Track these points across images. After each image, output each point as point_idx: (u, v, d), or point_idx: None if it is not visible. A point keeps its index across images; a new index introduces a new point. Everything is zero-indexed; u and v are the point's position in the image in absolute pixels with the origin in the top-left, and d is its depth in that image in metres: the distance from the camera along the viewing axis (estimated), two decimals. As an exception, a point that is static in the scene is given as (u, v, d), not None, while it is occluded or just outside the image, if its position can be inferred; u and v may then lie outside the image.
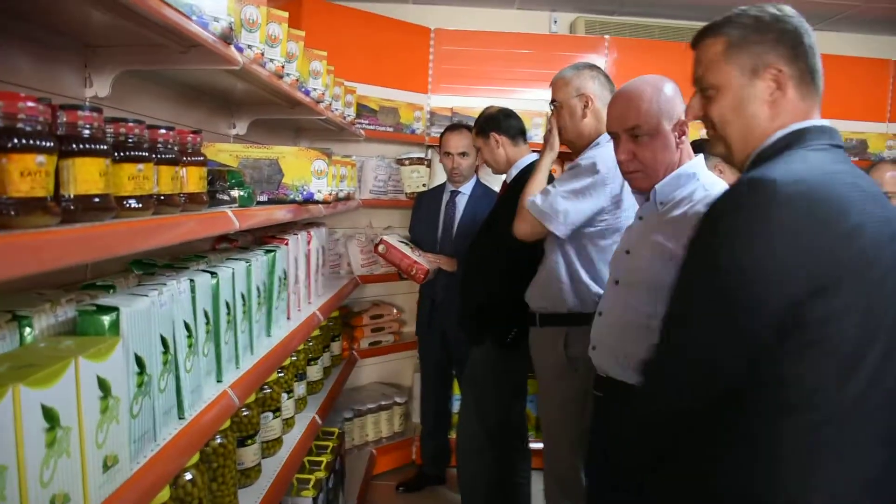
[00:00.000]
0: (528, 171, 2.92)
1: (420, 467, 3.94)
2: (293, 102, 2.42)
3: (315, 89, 2.55)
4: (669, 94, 1.90)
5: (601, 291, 2.40)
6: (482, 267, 3.01)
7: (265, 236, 2.44)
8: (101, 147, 1.08)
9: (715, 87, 1.38)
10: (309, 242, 2.67)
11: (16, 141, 0.90)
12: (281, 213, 2.07)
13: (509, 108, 3.16)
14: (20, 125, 0.91)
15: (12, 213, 0.89)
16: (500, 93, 4.32)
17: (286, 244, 2.33)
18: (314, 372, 2.88)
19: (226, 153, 2.14)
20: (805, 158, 1.27)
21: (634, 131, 1.89)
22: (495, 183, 3.82)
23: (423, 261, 3.47)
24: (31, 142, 0.91)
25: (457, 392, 3.87)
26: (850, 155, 4.28)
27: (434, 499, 3.76)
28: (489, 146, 3.07)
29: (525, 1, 4.52)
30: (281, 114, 2.61)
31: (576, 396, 2.44)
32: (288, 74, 2.18)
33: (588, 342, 2.37)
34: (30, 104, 0.93)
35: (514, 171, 3.04)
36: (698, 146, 2.08)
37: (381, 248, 3.51)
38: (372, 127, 3.93)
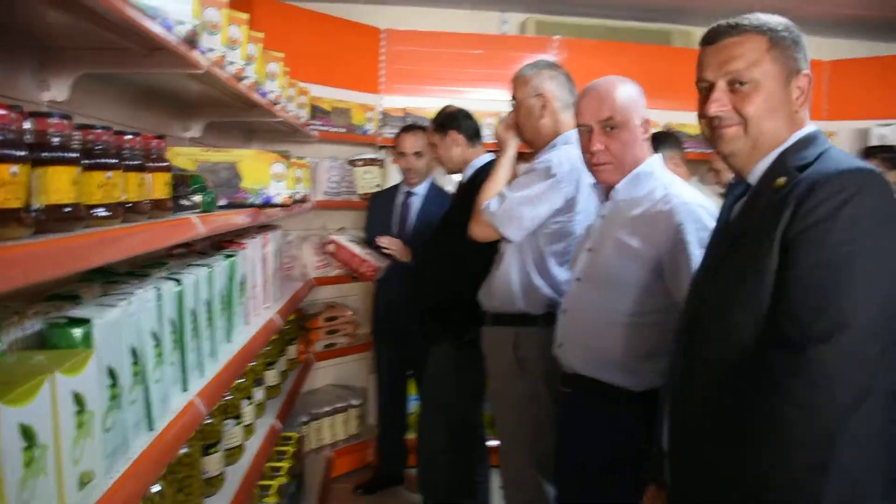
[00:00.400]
0: (483, 172, 2.94)
1: (377, 468, 3.93)
2: (251, 105, 2.39)
3: (272, 91, 2.52)
4: (638, 93, 2.00)
5: (552, 294, 2.46)
6: (438, 267, 3.03)
7: (222, 241, 2.40)
8: (72, 155, 1.06)
9: (755, 83, 1.38)
10: (266, 246, 2.64)
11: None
12: (242, 218, 2.04)
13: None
14: (-7, 135, 0.89)
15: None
16: (451, 93, 4.33)
17: (244, 248, 2.30)
18: (272, 377, 2.84)
19: (184, 157, 2.09)
20: (843, 154, 1.38)
21: (608, 123, 1.95)
22: (450, 184, 3.84)
23: (373, 259, 3.46)
24: (5, 151, 0.89)
25: (413, 392, 3.88)
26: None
27: (392, 499, 3.78)
28: (445, 143, 3.08)
29: (475, 1, 4.55)
30: (237, 116, 2.58)
31: (525, 396, 2.48)
32: (247, 77, 2.16)
33: (537, 344, 2.43)
34: (1, 112, 0.90)
35: (469, 172, 3.06)
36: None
37: (330, 247, 3.50)
38: (325, 128, 3.91)
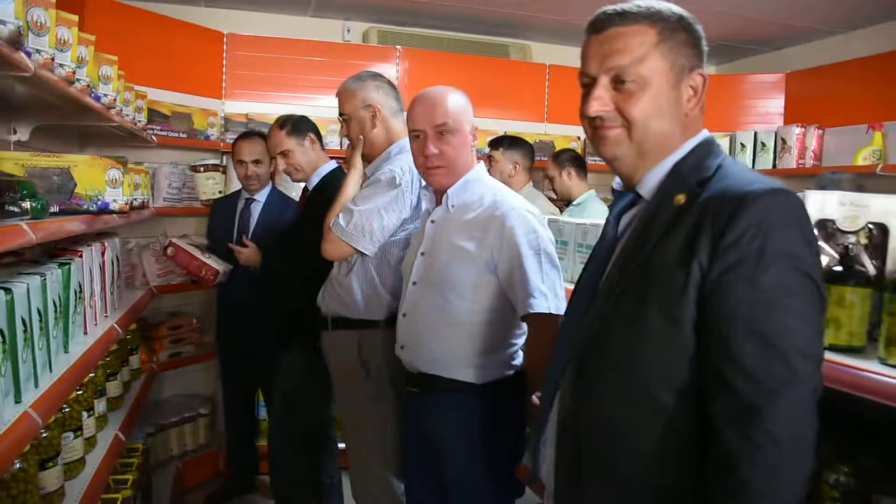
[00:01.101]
0: (329, 179, 3.00)
1: (229, 477, 3.86)
2: (83, 108, 2.32)
3: (106, 95, 2.46)
4: (467, 102, 2.11)
5: (395, 302, 2.46)
6: (286, 275, 3.03)
7: (56, 248, 2.32)
8: None
9: (641, 81, 1.23)
10: (103, 253, 2.57)
11: None
12: (76, 225, 1.99)
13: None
14: None
15: None
16: (295, 99, 4.37)
17: (80, 256, 2.23)
18: (113, 388, 2.75)
19: (9, 161, 2.01)
20: (741, 166, 1.28)
21: (441, 128, 2.03)
22: (292, 190, 3.85)
23: (214, 262, 3.40)
24: None
25: (261, 398, 3.86)
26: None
27: (244, 507, 3.73)
28: (303, 147, 3.05)
29: (319, 9, 4.59)
30: (69, 119, 2.48)
31: (371, 397, 2.51)
32: (79, 80, 2.10)
33: (381, 346, 2.48)
34: None
35: (315, 179, 3.07)
36: None
37: (169, 250, 3.41)
38: (164, 133, 3.81)
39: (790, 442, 1.06)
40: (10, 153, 2.05)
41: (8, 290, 1.54)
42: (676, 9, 1.27)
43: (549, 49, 5.20)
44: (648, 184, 1.28)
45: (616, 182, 1.38)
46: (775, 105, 5.02)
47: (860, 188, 3.24)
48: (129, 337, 3.12)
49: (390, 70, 4.63)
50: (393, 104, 2.61)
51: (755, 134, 4.80)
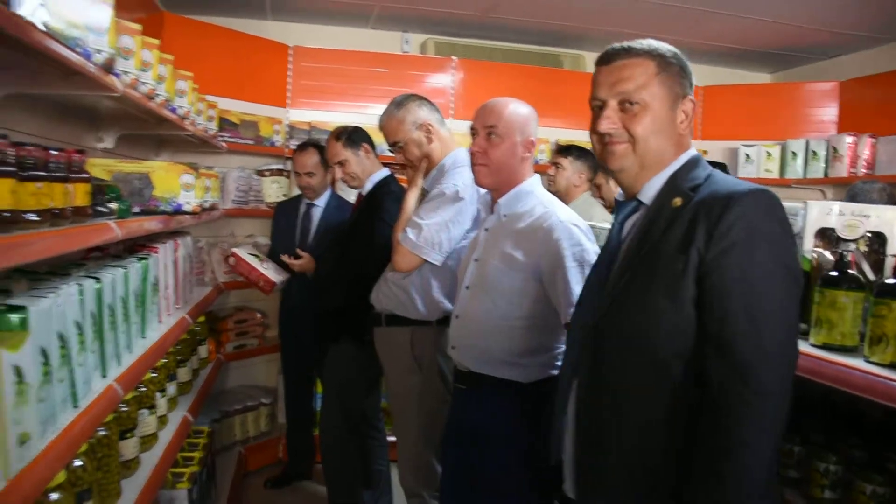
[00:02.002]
0: (381, 185, 3.19)
1: (287, 464, 4.12)
2: (161, 119, 2.57)
3: (181, 107, 2.72)
4: (526, 115, 2.23)
5: (450, 306, 2.65)
6: (340, 273, 3.24)
7: (135, 245, 2.58)
8: (11, 169, 1.27)
9: (643, 104, 1.45)
10: (176, 251, 2.82)
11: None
12: (153, 224, 2.24)
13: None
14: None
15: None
16: (355, 108, 4.60)
17: (156, 252, 2.48)
18: (184, 373, 3.01)
19: (98, 167, 2.27)
20: (725, 175, 1.49)
21: (490, 130, 2.18)
22: (352, 194, 4.07)
23: (271, 273, 3.64)
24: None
25: (319, 391, 4.09)
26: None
27: (301, 493, 3.96)
28: (359, 157, 3.21)
29: (379, 21, 4.81)
30: (149, 129, 2.75)
31: (421, 390, 2.70)
32: (158, 95, 2.35)
33: (432, 342, 2.68)
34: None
35: (369, 185, 3.24)
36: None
37: (231, 260, 3.65)
38: (233, 140, 4.09)
39: (777, 397, 1.26)
40: (99, 160, 2.31)
41: (98, 280, 1.78)
42: (671, 47, 1.51)
43: (602, 58, 5.29)
44: (649, 192, 1.50)
45: (619, 193, 1.60)
46: (829, 113, 5.00)
47: (891, 197, 3.27)
48: (198, 328, 3.39)
49: (446, 80, 4.83)
50: (438, 116, 2.79)
51: (807, 143, 4.80)
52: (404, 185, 3.28)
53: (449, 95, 4.81)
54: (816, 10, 4.18)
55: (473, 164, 2.25)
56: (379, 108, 4.53)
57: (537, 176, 2.30)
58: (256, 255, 3.71)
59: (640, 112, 1.46)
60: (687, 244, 1.34)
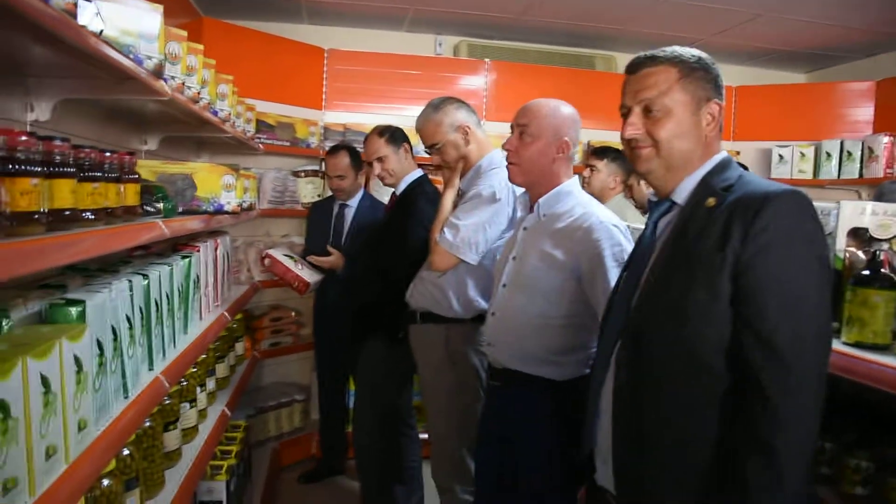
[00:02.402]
0: (415, 186, 3.25)
1: (320, 460, 4.20)
2: (203, 122, 2.65)
3: (222, 110, 2.80)
4: (564, 117, 2.24)
5: (485, 305, 2.69)
6: (374, 271, 3.30)
7: (177, 244, 2.66)
8: (71, 170, 1.34)
9: (666, 110, 1.51)
10: (216, 249, 2.90)
11: (15, 167, 1.15)
12: (196, 223, 2.31)
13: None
14: (18, 154, 1.17)
15: (15, 223, 1.14)
16: (389, 110, 4.66)
17: (198, 251, 2.56)
18: (222, 369, 3.10)
19: (144, 169, 2.35)
20: (756, 175, 1.55)
21: (522, 128, 2.22)
22: (384, 195, 4.15)
23: (306, 274, 3.71)
24: (28, 168, 1.17)
25: (352, 388, 4.15)
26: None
27: (334, 488, 4.04)
28: (398, 156, 3.25)
29: (413, 24, 4.87)
30: (191, 131, 2.84)
31: (456, 387, 2.75)
32: (202, 98, 2.43)
33: (467, 339, 2.72)
34: (24, 138, 1.19)
35: (402, 185, 3.29)
36: None
37: (266, 261, 3.73)
38: (270, 141, 4.18)
39: (815, 383, 1.32)
40: (144, 161, 2.39)
41: (146, 276, 1.86)
42: (696, 52, 1.55)
43: (634, 60, 5.31)
44: (682, 192, 1.55)
45: (651, 193, 1.66)
46: (865, 113, 4.96)
47: None
48: (234, 326, 3.48)
49: (479, 81, 4.88)
50: (474, 118, 2.83)
51: (841, 143, 4.77)
52: (438, 185, 3.34)
53: (482, 97, 4.85)
54: (854, 10, 4.15)
55: (507, 162, 2.28)
56: (412, 110, 4.64)
57: (576, 177, 2.31)
58: (291, 257, 3.79)
59: (663, 117, 1.52)
60: (723, 243, 1.37)
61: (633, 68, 1.59)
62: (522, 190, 2.39)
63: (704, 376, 1.40)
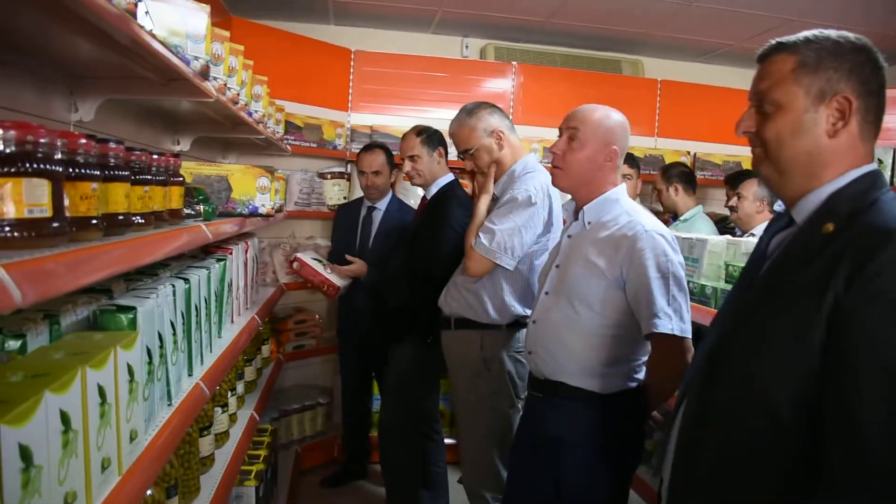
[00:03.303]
0: (446, 190, 3.22)
1: (343, 464, 4.17)
2: (237, 122, 2.63)
3: (257, 111, 2.77)
4: (614, 125, 2.18)
5: (521, 311, 2.68)
6: (406, 275, 3.27)
7: (209, 246, 2.63)
8: (125, 173, 1.31)
9: (776, 105, 1.32)
10: (246, 252, 2.87)
11: (77, 171, 1.12)
12: (232, 226, 2.28)
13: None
14: (78, 158, 1.14)
15: (74, 229, 1.11)
16: (416, 112, 4.62)
17: (230, 253, 2.53)
18: (250, 372, 3.07)
19: (182, 170, 2.33)
20: None
21: (571, 132, 2.16)
22: (411, 198, 4.12)
23: (335, 278, 3.69)
24: (89, 172, 1.14)
25: (376, 392, 4.13)
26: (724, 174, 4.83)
27: (357, 492, 4.00)
28: (433, 158, 3.24)
29: (440, 26, 4.84)
30: (225, 132, 2.82)
31: (490, 393, 2.72)
32: (241, 100, 2.40)
33: (502, 345, 2.69)
34: (83, 141, 1.15)
35: (434, 189, 3.27)
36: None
37: (295, 265, 3.71)
38: (297, 143, 4.15)
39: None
40: (182, 162, 2.36)
41: (186, 280, 1.83)
42: (834, 35, 1.31)
43: (660, 64, 5.28)
44: (803, 210, 1.32)
45: (779, 204, 1.46)
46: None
47: None
48: (261, 328, 3.45)
49: (506, 84, 4.84)
50: (508, 123, 2.81)
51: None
52: (466, 190, 3.32)
53: (508, 100, 4.81)
54: (890, 15, 4.09)
55: (552, 165, 2.23)
56: (439, 113, 4.66)
57: (623, 185, 2.26)
58: (319, 260, 3.76)
59: (773, 114, 1.32)
60: (825, 281, 1.15)
61: (759, 58, 1.39)
62: (559, 194, 2.35)
63: (771, 425, 1.22)
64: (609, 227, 2.14)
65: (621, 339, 2.11)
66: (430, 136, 3.26)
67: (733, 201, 3.75)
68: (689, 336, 2.03)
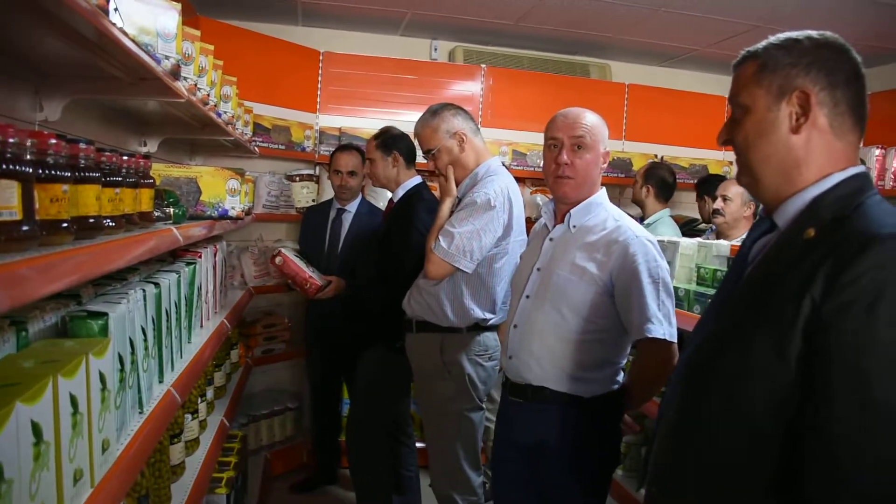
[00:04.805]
0: (413, 193, 3.20)
1: (312, 469, 4.12)
2: (206, 124, 2.58)
3: (226, 112, 2.72)
4: (604, 125, 2.19)
5: (480, 314, 2.68)
6: (376, 279, 3.25)
7: (178, 250, 2.58)
8: (96, 175, 1.27)
9: (743, 109, 1.30)
10: (215, 255, 2.82)
11: (47, 172, 1.08)
12: (201, 229, 2.24)
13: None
14: (49, 158, 1.10)
15: (45, 232, 1.07)
16: (384, 114, 4.59)
17: (199, 257, 2.48)
18: (219, 378, 3.02)
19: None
20: (885, 207, 1.18)
21: (578, 140, 2.12)
22: (380, 201, 4.09)
23: (317, 277, 3.64)
24: (60, 173, 1.10)
25: (345, 396, 4.09)
26: (691, 177, 4.88)
27: (327, 497, 3.96)
28: (386, 162, 3.23)
29: (409, 28, 4.82)
30: (194, 134, 2.76)
31: (451, 395, 2.71)
32: (210, 101, 2.36)
33: (462, 348, 2.68)
34: (53, 141, 1.11)
35: (400, 192, 3.25)
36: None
37: (278, 259, 3.63)
38: (265, 145, 4.09)
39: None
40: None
41: (157, 285, 1.78)
42: (797, 35, 1.27)
43: (628, 68, 5.33)
44: (785, 214, 1.28)
45: (762, 208, 1.40)
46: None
47: None
48: (230, 333, 3.39)
49: (475, 87, 4.83)
50: (472, 125, 2.80)
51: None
52: (434, 191, 3.30)
53: (477, 103, 4.81)
54: (847, 26, 4.15)
55: (557, 178, 2.16)
56: (407, 115, 4.63)
57: (604, 189, 2.25)
58: (300, 257, 3.70)
59: (741, 118, 1.30)
60: (803, 289, 1.10)
61: (733, 69, 1.37)
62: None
63: (749, 436, 1.18)
64: (596, 231, 2.14)
65: (606, 343, 2.11)
66: (384, 141, 3.26)
67: (718, 203, 3.60)
68: (676, 341, 2.04)
